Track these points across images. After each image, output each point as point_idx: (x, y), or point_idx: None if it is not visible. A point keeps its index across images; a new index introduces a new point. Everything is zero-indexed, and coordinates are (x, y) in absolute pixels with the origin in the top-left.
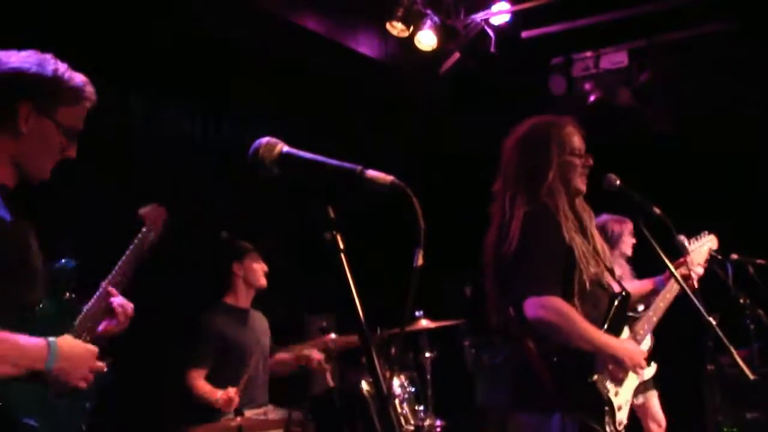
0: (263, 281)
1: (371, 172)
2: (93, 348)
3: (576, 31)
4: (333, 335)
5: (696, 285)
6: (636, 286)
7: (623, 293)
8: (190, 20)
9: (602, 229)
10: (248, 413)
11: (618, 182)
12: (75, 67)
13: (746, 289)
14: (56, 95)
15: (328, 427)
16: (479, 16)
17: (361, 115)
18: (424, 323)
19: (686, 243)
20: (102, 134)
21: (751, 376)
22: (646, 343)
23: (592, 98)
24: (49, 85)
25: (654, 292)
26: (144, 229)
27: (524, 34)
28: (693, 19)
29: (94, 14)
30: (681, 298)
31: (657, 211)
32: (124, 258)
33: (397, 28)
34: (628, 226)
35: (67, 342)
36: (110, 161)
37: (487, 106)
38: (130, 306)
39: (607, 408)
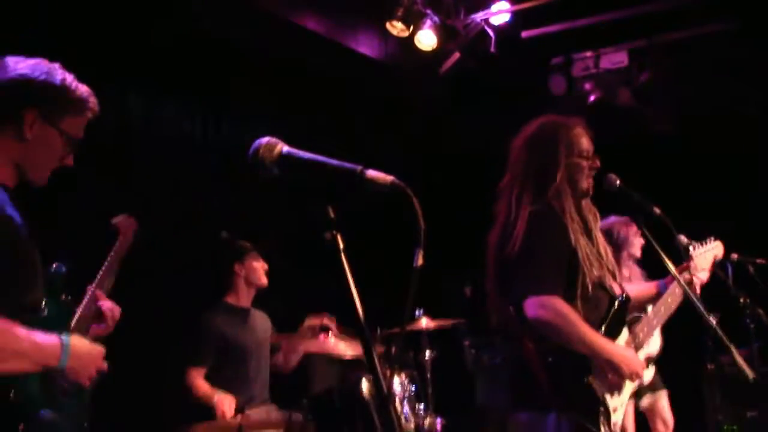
0: (264, 280)
1: (371, 172)
2: (100, 348)
3: (576, 31)
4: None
5: (698, 291)
6: (640, 289)
7: (623, 296)
8: (190, 20)
9: (608, 232)
10: (249, 412)
11: (618, 182)
12: (75, 66)
13: (746, 289)
14: (62, 105)
15: (328, 427)
16: (479, 16)
17: (361, 115)
18: (424, 323)
19: (690, 247)
20: (102, 134)
21: (751, 376)
22: (655, 344)
23: (592, 98)
24: (56, 94)
25: (658, 296)
26: (120, 237)
27: (524, 34)
28: (693, 19)
29: (94, 14)
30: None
31: (657, 211)
32: (105, 264)
33: (397, 28)
34: (633, 228)
35: (77, 341)
36: (110, 161)
37: (487, 106)
38: (117, 309)
39: (602, 409)
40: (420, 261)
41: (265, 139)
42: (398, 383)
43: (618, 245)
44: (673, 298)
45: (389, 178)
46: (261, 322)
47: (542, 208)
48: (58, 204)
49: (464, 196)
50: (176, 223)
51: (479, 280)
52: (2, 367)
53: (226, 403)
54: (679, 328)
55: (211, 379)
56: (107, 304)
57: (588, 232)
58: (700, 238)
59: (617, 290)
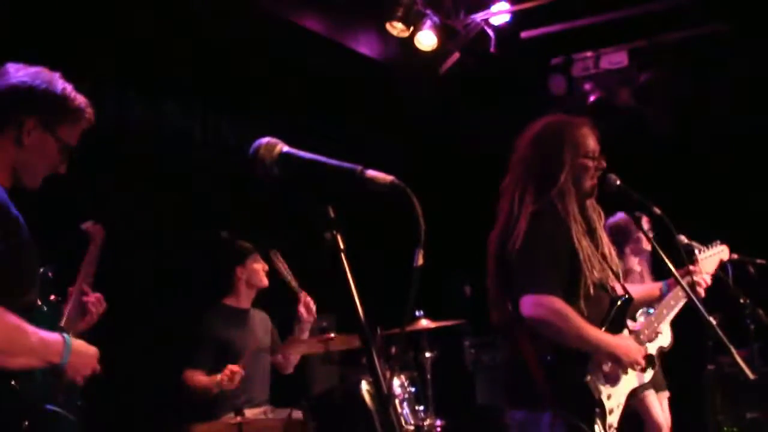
0: (265, 281)
1: (371, 172)
2: (95, 349)
3: (576, 31)
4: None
5: (703, 294)
6: (644, 290)
7: (625, 297)
8: (190, 20)
9: (616, 230)
10: (248, 413)
11: (618, 182)
12: (75, 66)
13: (746, 289)
14: (61, 113)
15: (328, 427)
16: (479, 16)
17: (361, 115)
18: (424, 323)
19: (696, 251)
20: (102, 134)
21: (752, 376)
22: (666, 337)
23: (592, 98)
24: (56, 103)
25: (661, 298)
26: (91, 243)
27: (524, 34)
28: (693, 19)
29: (94, 14)
30: None
31: (657, 211)
32: (82, 269)
33: (397, 28)
34: (644, 222)
35: (77, 340)
36: (110, 161)
37: (486, 106)
38: (102, 304)
39: (597, 409)
40: (420, 261)
41: (265, 139)
42: (398, 384)
43: (627, 242)
44: (675, 301)
45: (389, 177)
46: (261, 322)
47: (545, 208)
48: (58, 203)
49: (464, 196)
50: (176, 223)
51: (479, 280)
52: (13, 362)
53: (232, 367)
54: (680, 329)
55: None
56: (91, 298)
57: (591, 232)
58: (699, 238)
59: (619, 291)
